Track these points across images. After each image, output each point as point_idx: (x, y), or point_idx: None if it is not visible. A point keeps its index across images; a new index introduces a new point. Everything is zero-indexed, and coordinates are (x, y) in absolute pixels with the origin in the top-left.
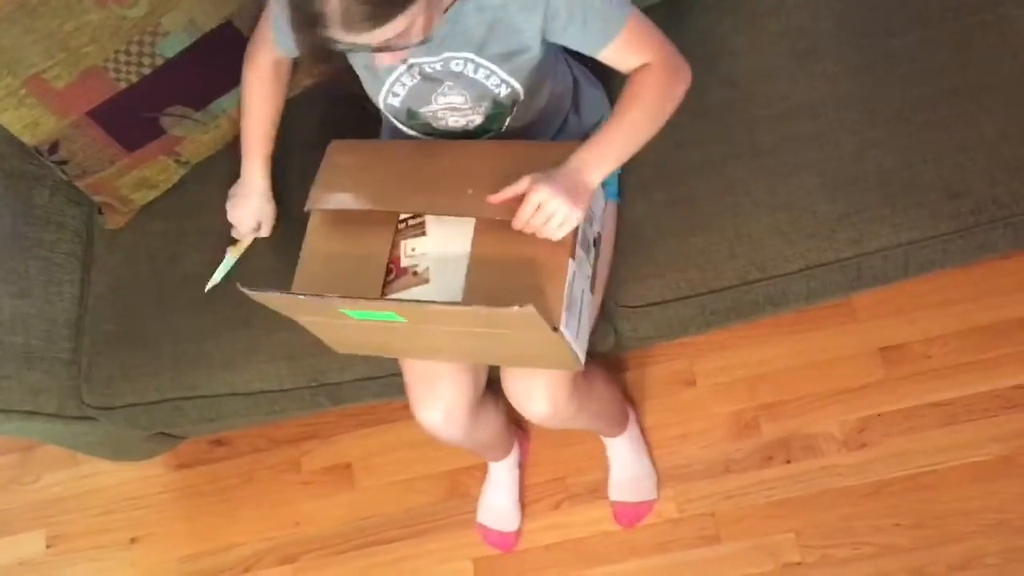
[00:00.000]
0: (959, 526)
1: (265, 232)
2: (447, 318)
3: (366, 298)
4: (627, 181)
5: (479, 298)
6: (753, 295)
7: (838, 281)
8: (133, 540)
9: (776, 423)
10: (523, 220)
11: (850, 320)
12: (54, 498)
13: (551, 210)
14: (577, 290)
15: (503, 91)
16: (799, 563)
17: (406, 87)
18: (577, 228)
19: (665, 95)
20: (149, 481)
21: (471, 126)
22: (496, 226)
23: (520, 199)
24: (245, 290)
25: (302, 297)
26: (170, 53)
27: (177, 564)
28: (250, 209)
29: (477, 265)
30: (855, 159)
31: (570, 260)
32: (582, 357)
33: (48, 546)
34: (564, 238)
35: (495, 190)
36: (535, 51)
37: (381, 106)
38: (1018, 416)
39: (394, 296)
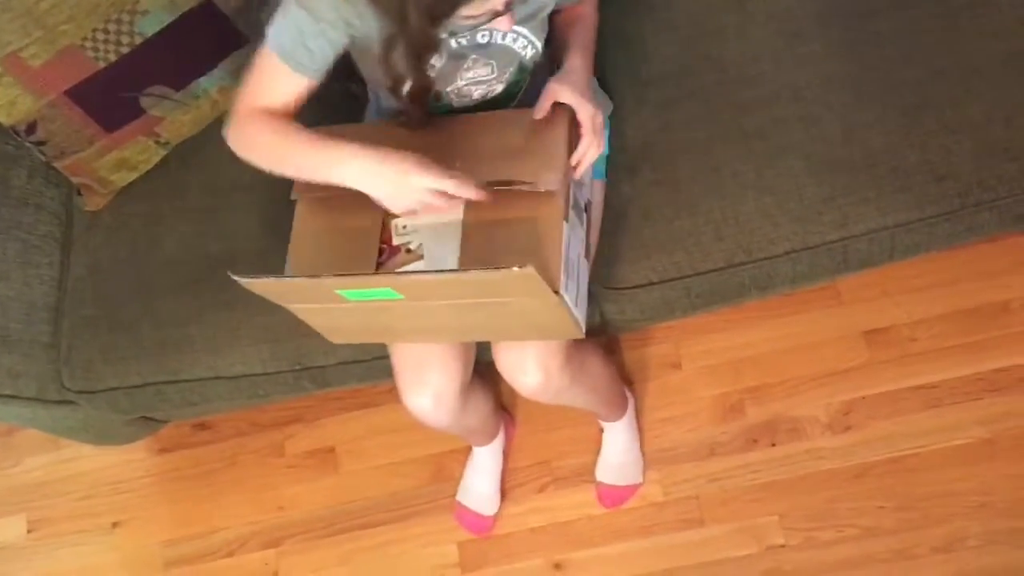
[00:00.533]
0: (942, 508)
1: (438, 175)
2: (445, 288)
3: (362, 274)
4: (613, 162)
5: (475, 267)
6: (739, 278)
7: (824, 264)
8: (115, 524)
9: (761, 406)
10: (593, 138)
11: (835, 303)
12: (35, 482)
13: (599, 120)
14: (573, 254)
15: (528, 52)
16: (783, 545)
17: (435, 68)
18: (569, 192)
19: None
20: (131, 465)
21: (490, 95)
22: (486, 209)
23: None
24: (236, 278)
25: (297, 279)
26: (149, 31)
27: (160, 548)
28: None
29: (470, 236)
30: (842, 141)
31: (564, 223)
32: (583, 324)
33: (29, 531)
34: (556, 200)
35: (481, 162)
36: (550, 3)
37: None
38: (1002, 399)
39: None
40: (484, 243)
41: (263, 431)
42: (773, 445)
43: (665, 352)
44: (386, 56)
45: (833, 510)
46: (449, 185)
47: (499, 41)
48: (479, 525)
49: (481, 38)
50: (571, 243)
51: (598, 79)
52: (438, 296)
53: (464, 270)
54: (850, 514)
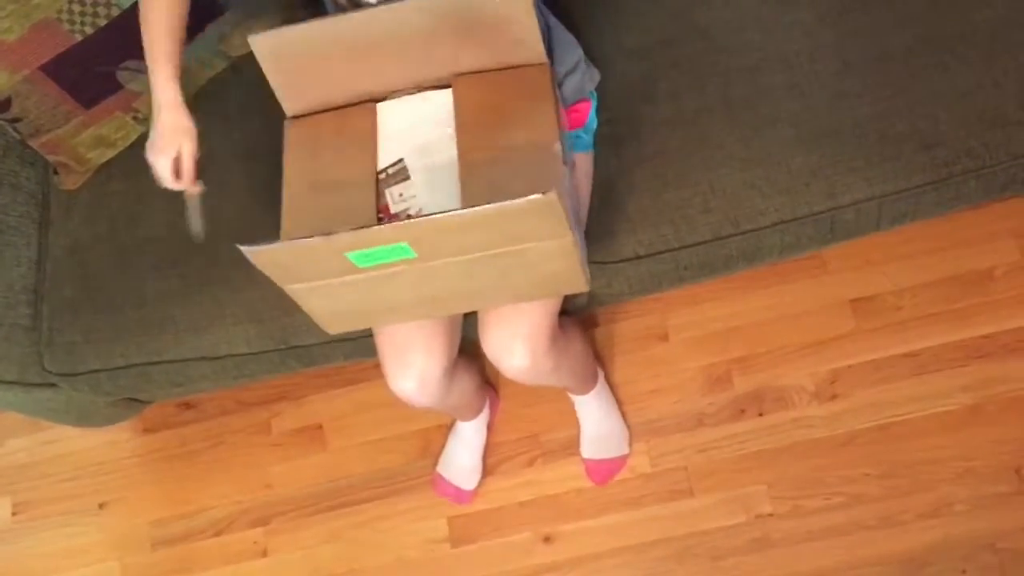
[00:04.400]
0: (928, 474)
1: (189, 154)
2: (462, 234)
3: (377, 227)
4: (599, 135)
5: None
6: (727, 250)
7: (812, 235)
8: (102, 505)
9: (748, 376)
10: None
11: (821, 272)
12: (18, 464)
13: None
14: (572, 199)
15: None
16: (771, 514)
17: None
18: (560, 144)
19: None
20: (116, 446)
21: None
22: (480, 147)
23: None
24: (243, 248)
25: (308, 240)
26: (126, 3)
27: (147, 528)
28: (165, 138)
29: (470, 186)
30: (829, 111)
31: (562, 166)
32: (588, 275)
33: (14, 513)
34: (550, 128)
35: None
36: None
37: None
38: (987, 365)
39: None
40: (483, 191)
41: (249, 409)
42: (760, 415)
43: (651, 324)
44: None
45: (820, 478)
46: (165, 183)
47: None
48: (458, 498)
49: None
50: (567, 189)
51: (584, 51)
52: (453, 248)
53: (481, 205)
54: (837, 482)
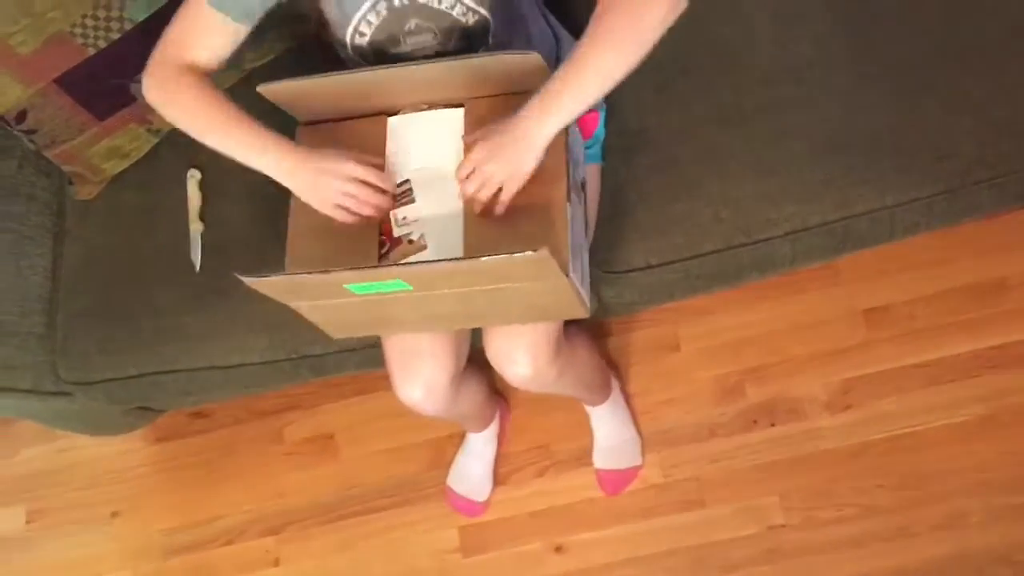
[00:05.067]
0: (942, 486)
1: (354, 159)
2: (456, 277)
3: (373, 267)
4: (609, 145)
5: (486, 254)
6: (738, 260)
7: (824, 244)
8: (114, 514)
9: (760, 386)
10: (462, 178)
11: (834, 282)
12: (32, 473)
13: (487, 175)
14: (577, 234)
15: (470, 19)
16: (784, 525)
17: (372, 25)
18: (568, 170)
19: (630, 23)
20: (129, 455)
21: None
22: None
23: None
24: (243, 278)
25: (306, 276)
26: (139, 17)
27: (160, 537)
28: (323, 180)
29: (472, 222)
30: (841, 121)
31: (567, 204)
32: (588, 301)
33: (28, 521)
34: (558, 182)
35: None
36: None
37: (350, 49)
38: (1000, 376)
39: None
40: (488, 230)
41: (261, 419)
42: (773, 425)
43: (663, 334)
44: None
45: (833, 489)
46: (371, 174)
47: (434, 5)
48: (470, 509)
49: (399, 1)
50: (574, 223)
51: None
52: (448, 284)
53: (476, 257)
54: (850, 493)
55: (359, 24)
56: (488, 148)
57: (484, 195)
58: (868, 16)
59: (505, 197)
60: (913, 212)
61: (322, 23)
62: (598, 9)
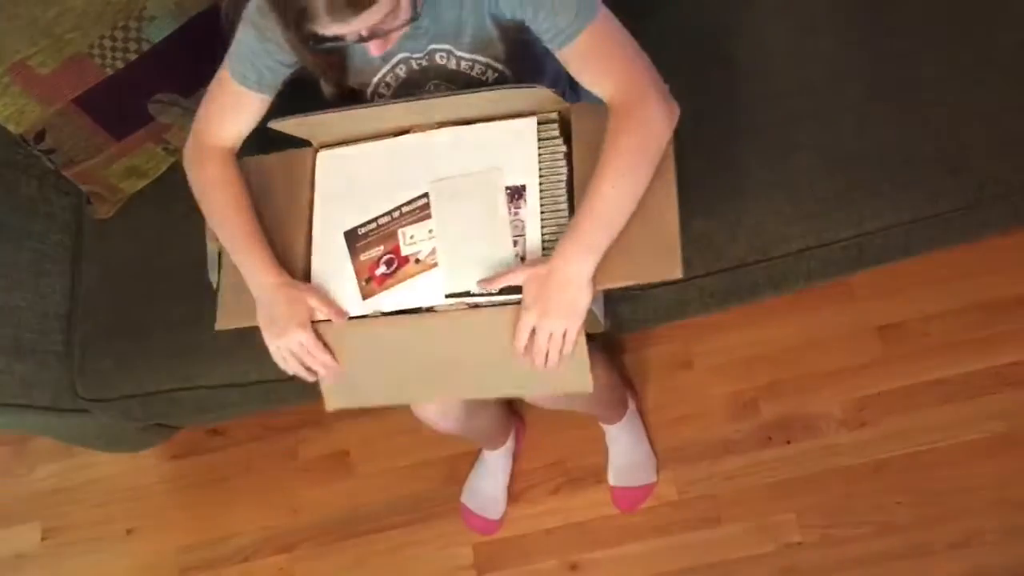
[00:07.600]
0: (959, 503)
1: (321, 302)
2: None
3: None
4: None
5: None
6: (753, 277)
7: (838, 261)
8: (129, 531)
9: (775, 403)
10: (522, 349)
11: (848, 299)
12: (49, 490)
13: (548, 331)
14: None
15: (490, 76)
16: (800, 543)
17: (391, 88)
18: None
19: (638, 158)
20: (145, 472)
21: None
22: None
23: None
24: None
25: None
26: (156, 38)
27: (175, 555)
28: (287, 318)
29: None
30: (855, 136)
31: None
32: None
33: (44, 538)
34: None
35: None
36: (472, 20)
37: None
38: (1017, 393)
39: (403, 284)
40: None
41: (277, 435)
42: (788, 442)
43: (676, 351)
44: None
45: (849, 507)
46: (317, 349)
47: (452, 67)
48: (484, 527)
49: (439, 59)
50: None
51: None
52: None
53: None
54: (866, 510)
55: (378, 86)
56: (537, 309)
57: (554, 353)
58: (881, 30)
59: (572, 338)
60: (927, 228)
61: (339, 85)
62: (611, 125)
